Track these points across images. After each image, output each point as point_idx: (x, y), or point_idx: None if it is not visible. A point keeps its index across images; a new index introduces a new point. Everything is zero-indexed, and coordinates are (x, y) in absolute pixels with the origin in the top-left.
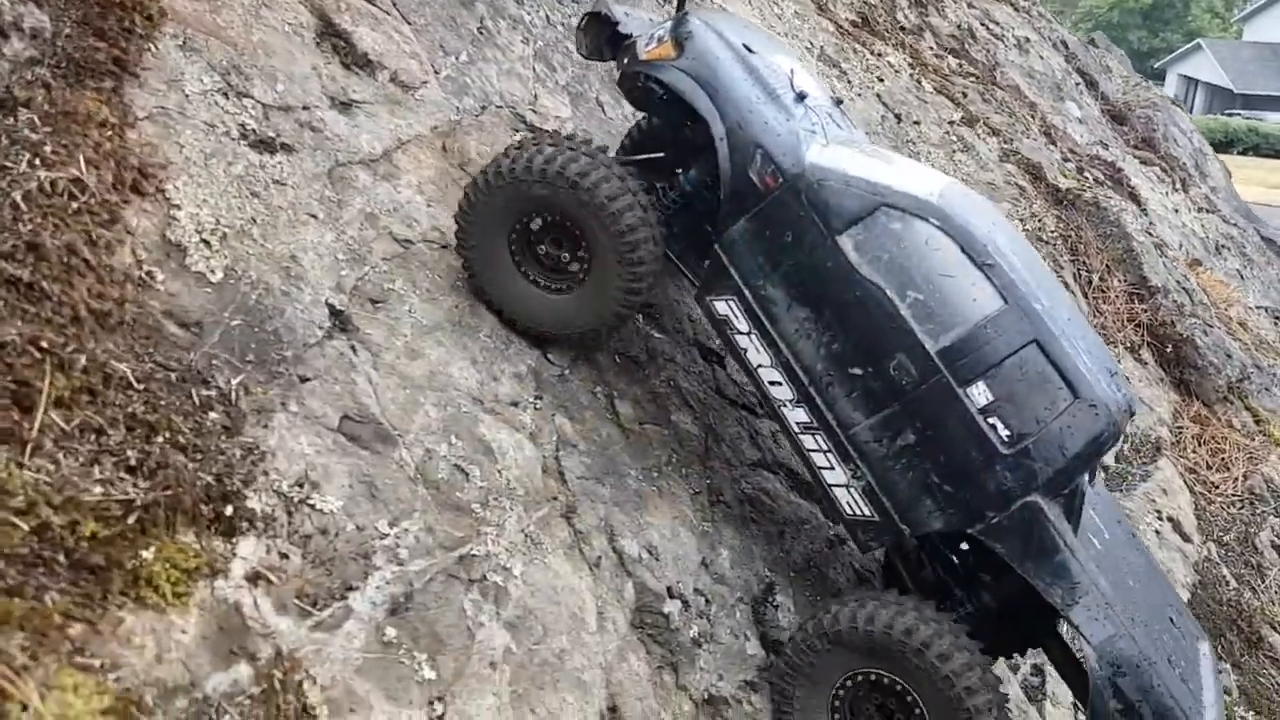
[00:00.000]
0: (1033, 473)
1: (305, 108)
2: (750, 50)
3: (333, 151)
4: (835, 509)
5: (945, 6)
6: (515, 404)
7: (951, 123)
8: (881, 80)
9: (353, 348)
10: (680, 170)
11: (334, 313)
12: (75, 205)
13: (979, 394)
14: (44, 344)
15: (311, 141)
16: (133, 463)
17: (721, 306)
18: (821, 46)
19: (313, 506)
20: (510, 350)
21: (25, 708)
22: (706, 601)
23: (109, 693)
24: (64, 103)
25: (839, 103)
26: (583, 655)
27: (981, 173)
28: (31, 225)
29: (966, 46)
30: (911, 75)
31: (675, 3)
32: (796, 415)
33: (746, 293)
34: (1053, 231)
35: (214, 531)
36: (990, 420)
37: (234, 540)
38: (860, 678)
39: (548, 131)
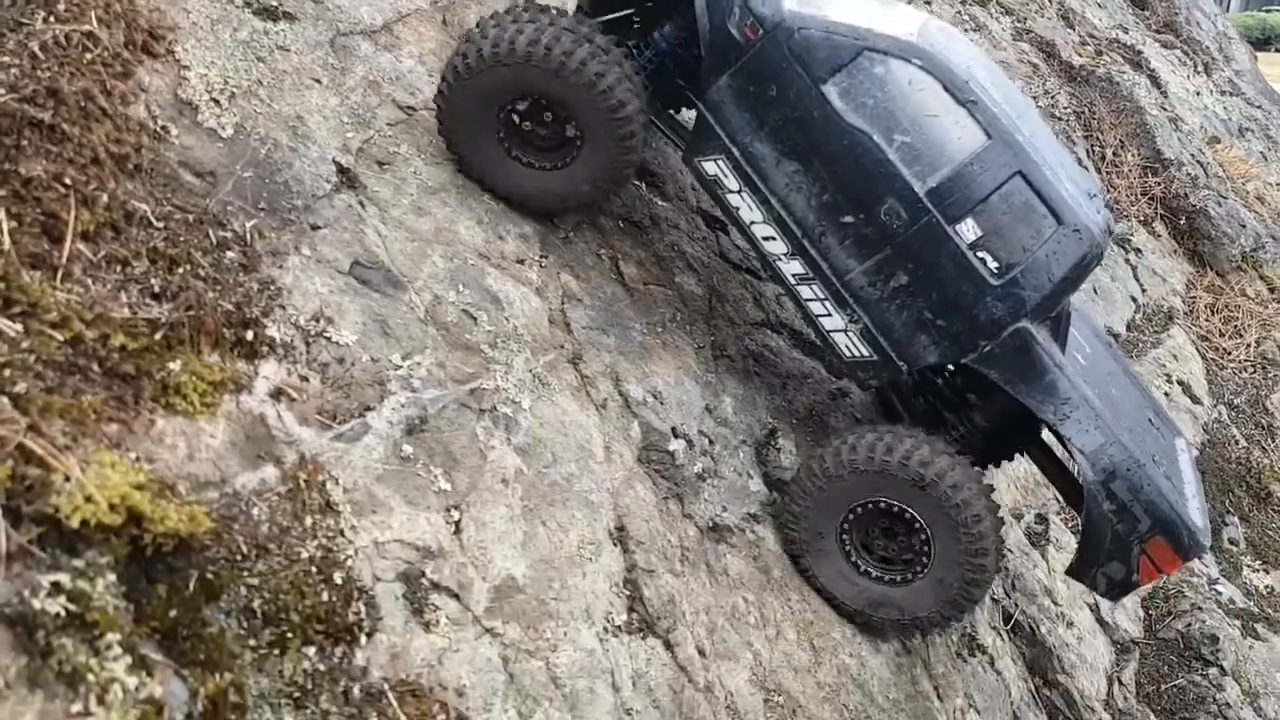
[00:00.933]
0: (1021, 300)
1: None
2: None
3: (334, 21)
4: (835, 352)
5: None
6: (521, 261)
7: (964, 2)
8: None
9: (360, 203)
10: (652, 28)
11: (341, 170)
12: (89, 57)
13: (968, 230)
14: (67, 180)
15: (313, 11)
16: (156, 290)
17: (710, 166)
18: None
19: (328, 339)
20: (515, 212)
21: (68, 479)
22: (710, 442)
23: (143, 472)
24: None
25: None
26: (590, 480)
27: (994, 51)
28: (50, 72)
29: None
30: None
31: None
32: (792, 267)
33: (734, 150)
34: (1065, 108)
35: (236, 354)
36: (980, 254)
37: (255, 363)
38: (870, 505)
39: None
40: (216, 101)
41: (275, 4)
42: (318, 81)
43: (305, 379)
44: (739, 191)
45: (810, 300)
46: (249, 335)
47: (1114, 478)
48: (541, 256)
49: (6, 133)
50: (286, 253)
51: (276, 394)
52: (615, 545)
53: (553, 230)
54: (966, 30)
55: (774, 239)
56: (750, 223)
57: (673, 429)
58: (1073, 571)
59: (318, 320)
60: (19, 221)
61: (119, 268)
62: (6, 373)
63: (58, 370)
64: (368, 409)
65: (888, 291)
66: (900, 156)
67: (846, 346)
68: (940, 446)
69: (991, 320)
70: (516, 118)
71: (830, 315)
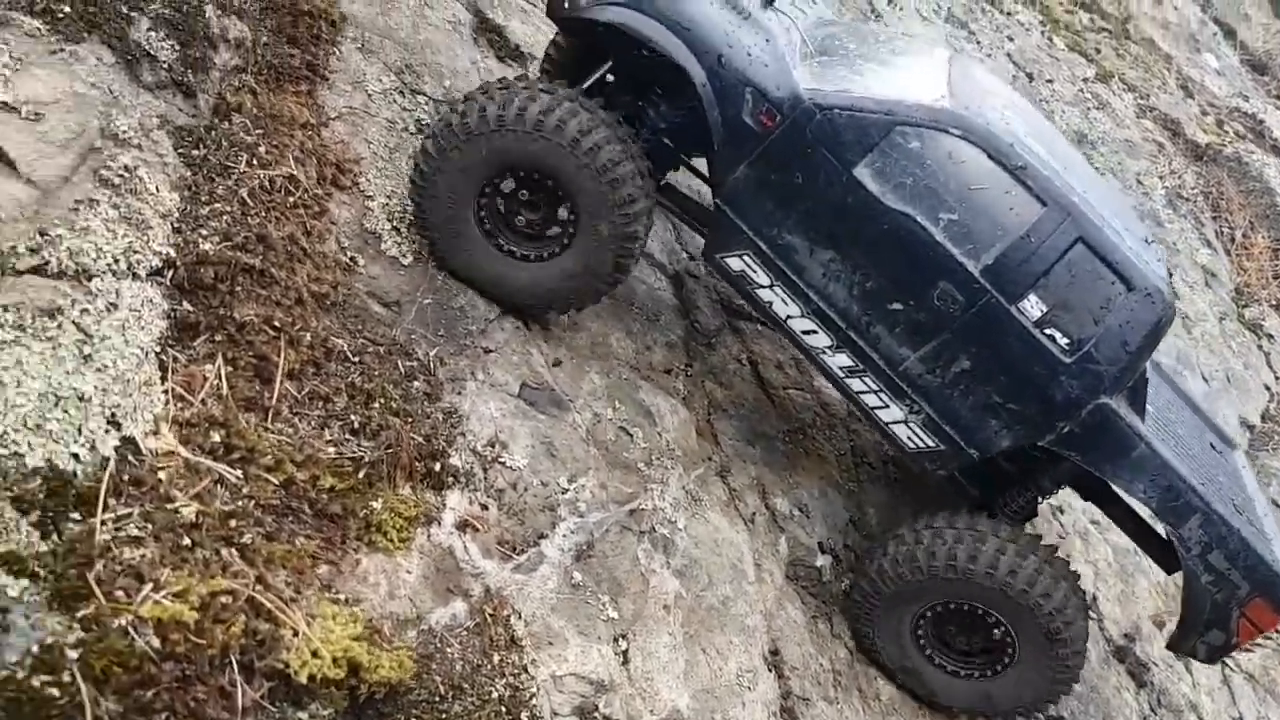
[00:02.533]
0: (1098, 376)
1: None
2: None
3: None
4: (896, 445)
5: None
6: (668, 371)
7: (1085, 80)
8: (1012, 39)
9: (525, 322)
10: (645, 103)
11: None
12: (291, 200)
13: (1032, 307)
14: (276, 323)
15: None
16: (356, 426)
17: (735, 263)
18: (949, 8)
19: (503, 464)
20: (661, 320)
21: (295, 633)
22: (856, 557)
23: (358, 620)
24: (269, 106)
25: None
26: (745, 603)
27: (1118, 130)
28: (259, 218)
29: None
30: (1042, 32)
31: None
32: (839, 361)
33: (761, 244)
34: (1193, 188)
35: (425, 485)
36: (1048, 331)
37: (442, 493)
38: (949, 606)
39: (502, 79)
40: (397, 230)
41: None
42: None
43: (485, 507)
44: (770, 286)
45: (863, 393)
46: (436, 466)
47: (1210, 549)
48: (686, 365)
49: (222, 280)
50: (464, 378)
51: (462, 525)
52: (770, 671)
53: (696, 335)
54: (1089, 109)
55: (815, 332)
56: (786, 318)
57: (819, 544)
58: (1173, 646)
59: (493, 445)
60: (234, 365)
61: (321, 404)
62: (233, 523)
63: (274, 514)
64: (541, 536)
65: (949, 378)
66: (948, 236)
67: (909, 438)
68: (1024, 546)
69: (1068, 400)
70: (501, 201)
71: (887, 407)
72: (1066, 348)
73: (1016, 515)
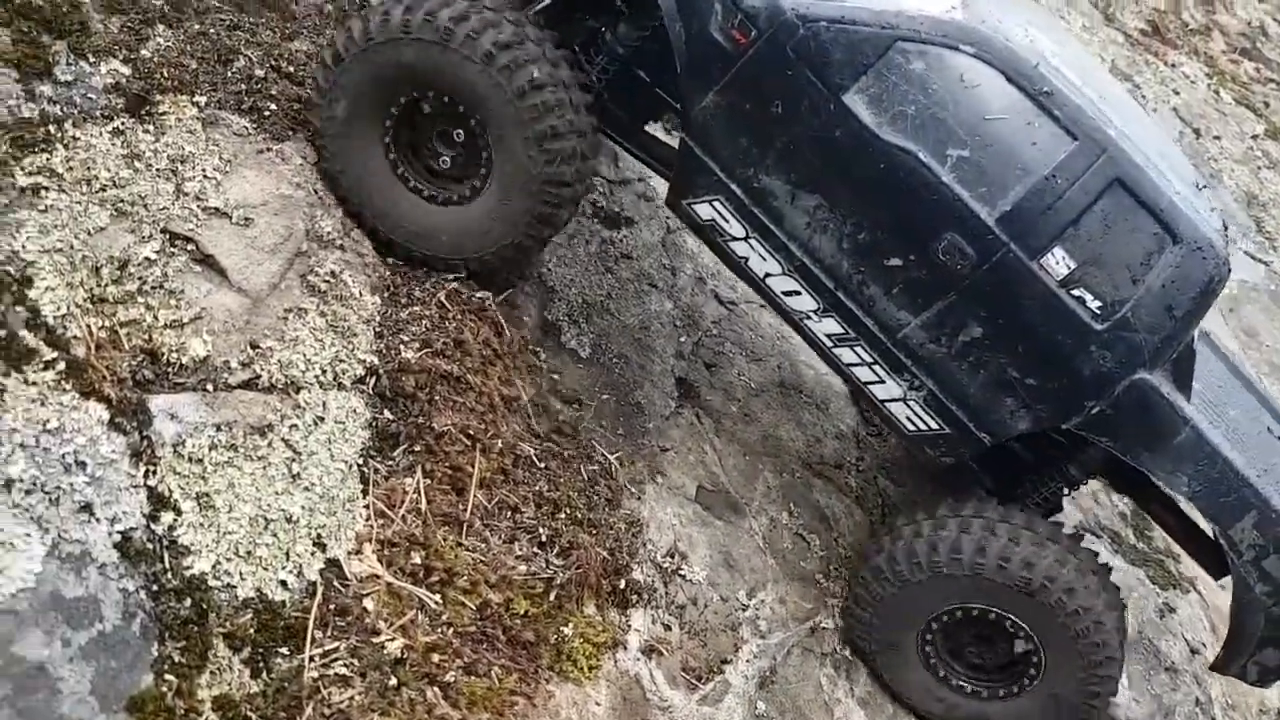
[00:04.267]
0: (1135, 346)
1: (640, 179)
2: None
3: (665, 219)
4: (895, 427)
5: (1234, 3)
6: (839, 466)
7: (1255, 136)
8: (1177, 93)
9: (697, 414)
10: (603, 26)
11: (680, 382)
12: (482, 296)
13: (1057, 263)
14: (471, 431)
15: (647, 211)
16: (544, 539)
17: (704, 210)
18: (1113, 59)
19: (683, 577)
20: (830, 409)
21: None
22: None
23: None
24: None
25: None
26: None
27: None
28: (456, 321)
29: (1259, 45)
30: (1209, 85)
31: None
32: (825, 327)
33: (733, 187)
34: None
35: (611, 603)
36: (1075, 292)
37: (627, 612)
38: (959, 613)
39: None
40: (576, 321)
41: (617, 210)
42: (654, 286)
43: (668, 628)
44: (745, 238)
45: (854, 365)
46: (621, 583)
47: (1265, 554)
48: (858, 459)
49: (421, 388)
50: (643, 480)
51: (648, 650)
52: None
53: (865, 425)
54: (1259, 168)
55: (798, 293)
56: (764, 275)
57: None
58: (1219, 666)
59: (673, 556)
60: (431, 477)
61: (510, 514)
62: (436, 657)
63: (472, 642)
64: (724, 661)
65: (956, 348)
66: (958, 177)
67: (909, 419)
68: (1043, 533)
69: (1099, 375)
70: (412, 132)
71: (882, 382)
72: (1098, 312)
73: (1038, 509)
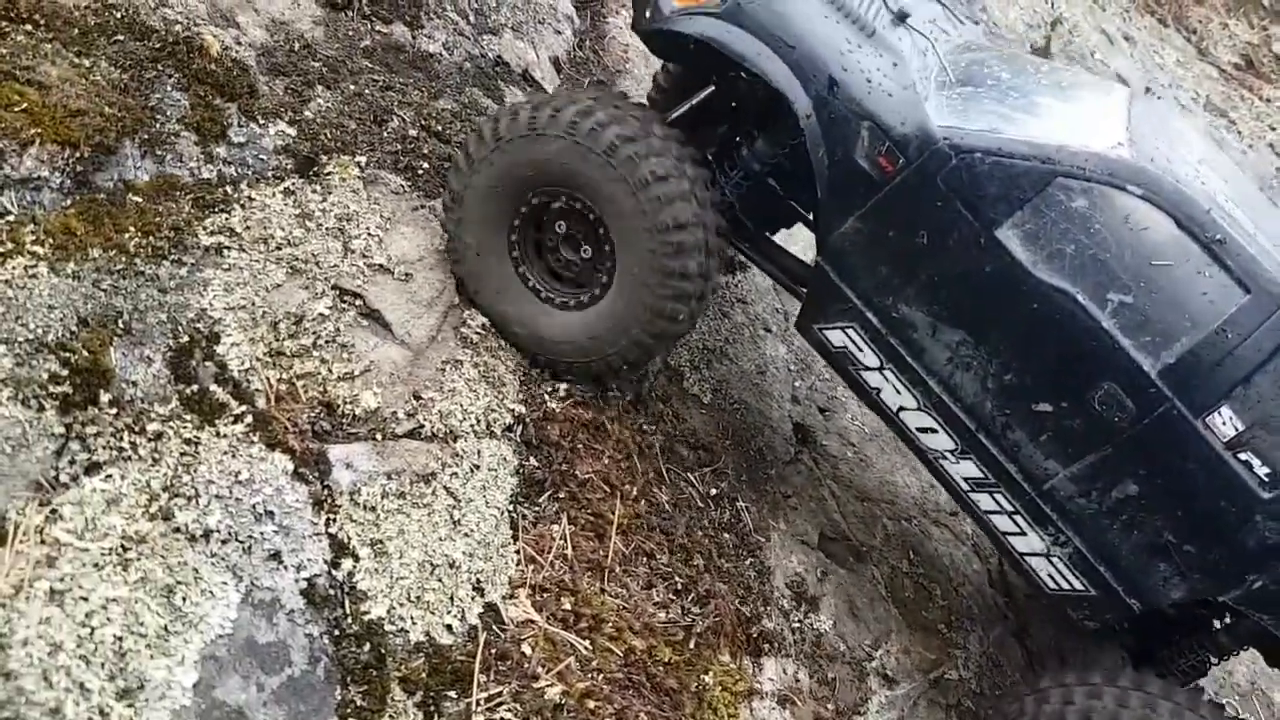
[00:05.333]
0: None
1: None
2: None
3: None
4: (1034, 583)
5: None
6: (955, 513)
7: None
8: (1274, 129)
9: (815, 460)
10: (740, 139)
11: (797, 428)
12: None
13: (1224, 423)
14: (611, 478)
15: None
16: (679, 586)
17: (837, 336)
18: (1207, 95)
19: (811, 626)
20: None
21: None
22: None
23: None
24: None
25: None
26: None
27: None
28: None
29: None
30: None
31: None
32: (963, 470)
33: (870, 316)
34: None
35: (745, 651)
36: (1243, 456)
37: (760, 660)
38: None
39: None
40: (697, 367)
41: (731, 255)
42: (769, 331)
43: (799, 678)
44: (880, 369)
45: (993, 513)
46: (754, 632)
47: None
48: None
49: (565, 436)
50: (768, 528)
51: (782, 700)
52: None
53: None
54: None
55: (934, 431)
56: (898, 409)
57: None
58: None
59: (799, 602)
60: (575, 524)
61: (646, 561)
62: (590, 703)
63: (620, 689)
64: (856, 713)
65: (1109, 505)
66: (1119, 323)
67: (1050, 576)
68: (1183, 703)
69: (1264, 547)
70: (536, 228)
71: (1023, 534)
72: (1266, 479)
73: (1183, 675)
